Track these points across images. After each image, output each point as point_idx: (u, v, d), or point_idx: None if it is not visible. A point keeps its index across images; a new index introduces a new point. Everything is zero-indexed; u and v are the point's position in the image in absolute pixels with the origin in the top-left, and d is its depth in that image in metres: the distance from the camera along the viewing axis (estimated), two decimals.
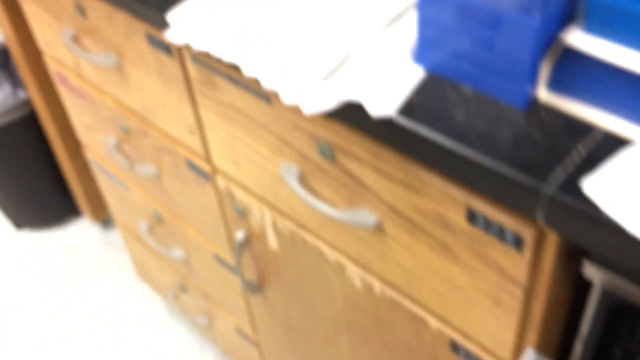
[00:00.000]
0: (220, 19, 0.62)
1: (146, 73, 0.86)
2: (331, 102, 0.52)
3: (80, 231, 1.81)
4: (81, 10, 0.89)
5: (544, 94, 0.51)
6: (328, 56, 0.55)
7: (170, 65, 0.80)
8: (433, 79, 0.55)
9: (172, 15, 0.64)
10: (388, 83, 0.53)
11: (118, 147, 1.10)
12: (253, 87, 0.68)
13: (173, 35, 0.62)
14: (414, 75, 0.54)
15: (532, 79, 0.49)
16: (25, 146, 1.60)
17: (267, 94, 0.67)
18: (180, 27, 0.63)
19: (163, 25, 0.68)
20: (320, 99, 0.53)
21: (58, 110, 1.50)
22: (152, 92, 0.88)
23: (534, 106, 0.51)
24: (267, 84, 0.55)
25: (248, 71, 0.57)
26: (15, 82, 1.72)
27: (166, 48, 0.78)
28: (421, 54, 0.54)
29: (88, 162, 1.61)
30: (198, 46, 0.60)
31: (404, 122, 0.51)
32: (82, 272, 1.71)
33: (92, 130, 1.16)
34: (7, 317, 1.62)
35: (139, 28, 0.80)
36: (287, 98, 0.54)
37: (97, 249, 1.77)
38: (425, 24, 0.52)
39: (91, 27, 0.91)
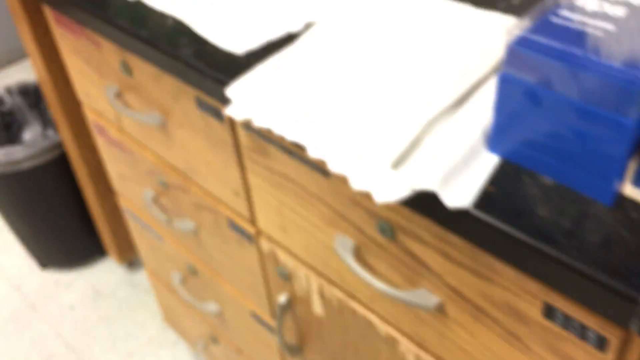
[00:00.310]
0: (282, 96, 0.60)
1: (192, 134, 0.85)
2: (404, 191, 0.50)
3: (106, 272, 1.80)
4: (127, 69, 0.88)
5: (629, 190, 0.49)
6: (398, 140, 0.54)
7: (219, 129, 0.78)
8: (509, 167, 0.52)
9: (233, 90, 0.62)
10: (462, 171, 0.51)
11: (155, 200, 1.08)
12: (309, 160, 0.67)
13: (234, 111, 0.61)
14: (489, 162, 0.52)
15: (620, 175, 0.47)
16: (54, 187, 1.59)
17: (324, 168, 0.66)
18: (241, 103, 0.61)
19: (221, 98, 0.67)
20: (392, 187, 0.51)
21: (90, 154, 1.49)
22: (197, 153, 0.87)
23: (619, 202, 0.49)
24: (335, 168, 0.53)
25: (314, 152, 0.55)
26: (45, 122, 1.72)
27: (216, 113, 0.77)
28: (496, 141, 0.52)
29: (119, 207, 1.60)
30: (260, 123, 0.59)
31: (481, 214, 0.49)
32: (106, 314, 1.69)
33: (128, 181, 1.15)
34: (30, 357, 1.60)
35: (188, 91, 0.79)
36: (357, 184, 0.52)
37: (123, 290, 1.75)
38: (502, 111, 0.51)
39: (136, 85, 0.90)
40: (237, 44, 0.69)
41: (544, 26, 0.47)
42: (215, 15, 0.73)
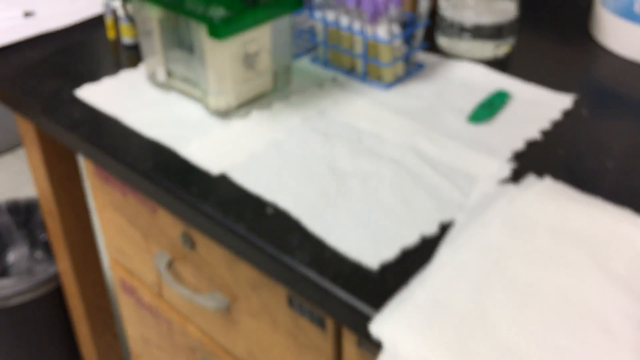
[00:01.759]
0: (449, 341, 0.48)
1: (268, 328, 0.71)
2: None
3: None
4: (189, 242, 0.74)
5: None
6: None
7: (315, 336, 0.64)
8: None
9: (382, 328, 0.49)
10: None
11: None
12: None
13: (390, 358, 0.47)
14: None
15: None
16: (43, 324, 1.39)
17: None
18: (395, 347, 0.48)
19: (351, 321, 0.53)
20: None
21: (89, 290, 1.31)
22: (271, 347, 0.72)
23: None
24: None
25: None
26: (33, 243, 1.55)
27: (317, 319, 0.63)
28: None
29: (114, 348, 1.42)
30: None
31: None
32: None
33: (155, 348, 0.98)
34: None
35: (279, 288, 0.65)
36: None
37: None
38: None
39: (198, 260, 0.75)
40: (365, 252, 0.56)
41: None
42: (330, 209, 0.61)
